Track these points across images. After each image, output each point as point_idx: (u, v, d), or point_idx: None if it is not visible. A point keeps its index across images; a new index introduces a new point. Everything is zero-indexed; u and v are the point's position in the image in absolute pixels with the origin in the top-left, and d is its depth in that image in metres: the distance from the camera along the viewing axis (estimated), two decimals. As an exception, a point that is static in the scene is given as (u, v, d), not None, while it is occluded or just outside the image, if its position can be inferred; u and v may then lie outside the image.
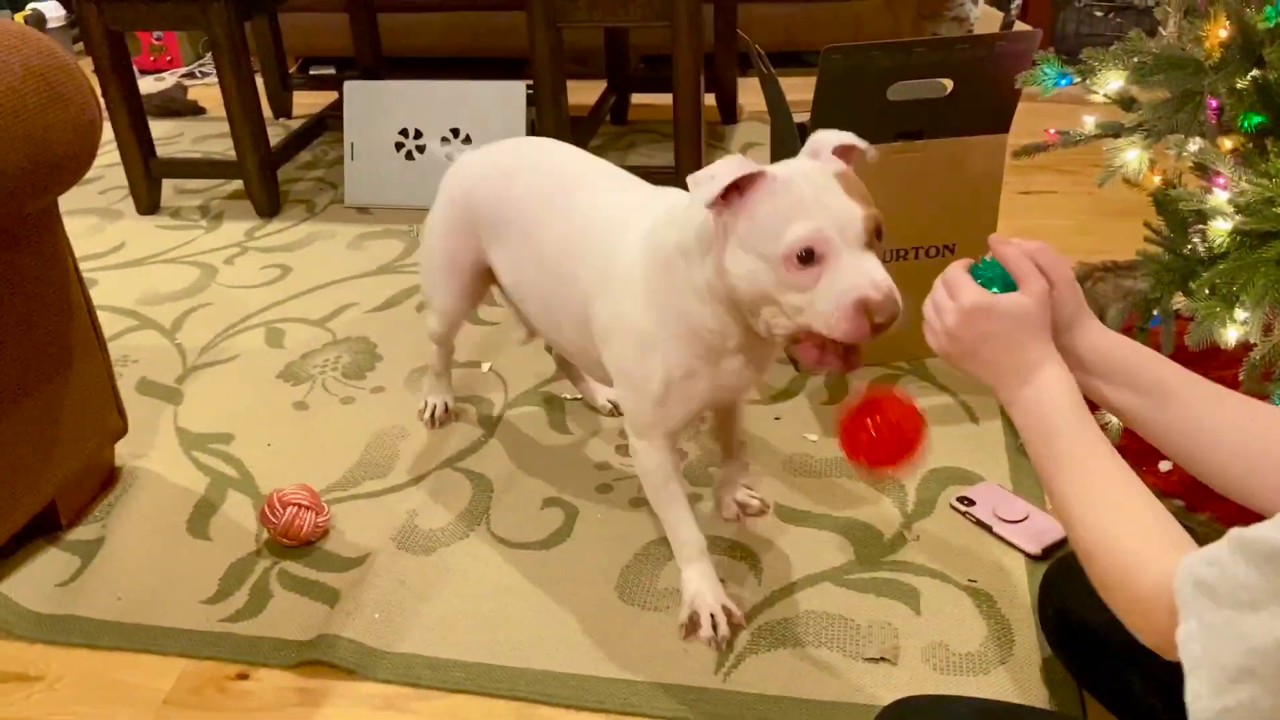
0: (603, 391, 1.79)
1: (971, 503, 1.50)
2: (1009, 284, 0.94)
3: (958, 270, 0.97)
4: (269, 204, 2.64)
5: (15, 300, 1.38)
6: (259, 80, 2.69)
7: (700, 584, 1.31)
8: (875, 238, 1.03)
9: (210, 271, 2.38)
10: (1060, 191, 2.56)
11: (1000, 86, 1.65)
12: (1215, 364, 1.22)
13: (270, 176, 2.63)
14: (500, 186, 1.42)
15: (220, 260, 2.43)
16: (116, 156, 2.64)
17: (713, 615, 1.30)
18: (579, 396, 1.83)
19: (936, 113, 1.69)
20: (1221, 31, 1.27)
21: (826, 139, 1.10)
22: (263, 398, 1.88)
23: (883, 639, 1.30)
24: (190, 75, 3.88)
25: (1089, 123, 1.51)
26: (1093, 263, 1.73)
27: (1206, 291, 1.21)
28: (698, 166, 2.45)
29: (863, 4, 3.33)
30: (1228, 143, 1.29)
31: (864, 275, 1.00)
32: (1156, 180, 1.43)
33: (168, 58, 3.96)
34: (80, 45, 3.56)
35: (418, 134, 2.68)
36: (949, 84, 1.67)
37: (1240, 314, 1.18)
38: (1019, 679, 1.23)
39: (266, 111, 2.81)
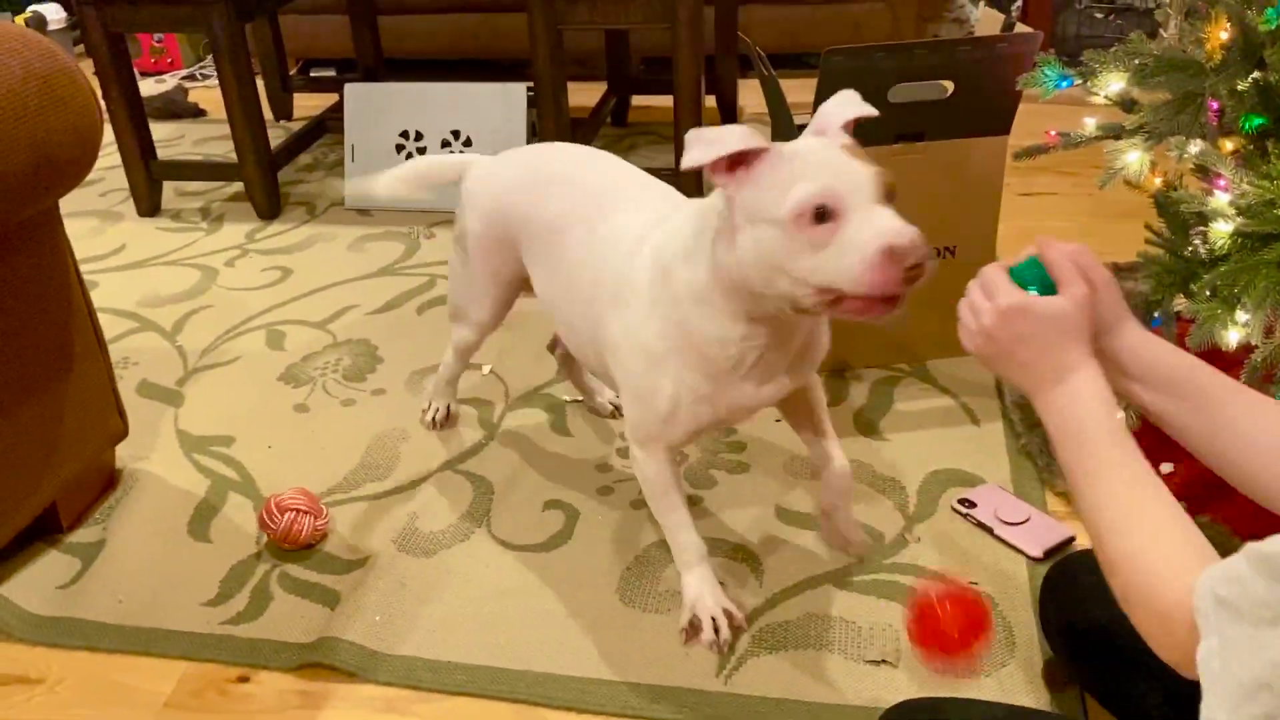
0: (604, 393, 1.79)
1: (973, 505, 1.50)
2: (1047, 286, 0.92)
3: (995, 270, 0.95)
4: (269, 206, 2.64)
5: (16, 302, 1.38)
6: (259, 82, 2.69)
7: (701, 588, 1.31)
8: (888, 199, 0.99)
9: (211, 274, 2.38)
10: (1061, 193, 2.56)
11: (1001, 88, 1.65)
12: (1216, 366, 1.22)
13: (271, 179, 2.63)
14: (530, 201, 1.39)
15: (221, 262, 2.43)
16: (117, 159, 2.64)
17: (714, 619, 1.29)
18: (580, 399, 1.83)
19: (937, 115, 1.69)
20: (1222, 33, 1.28)
21: (833, 114, 1.07)
22: (263, 400, 1.88)
23: (884, 641, 1.29)
24: (191, 77, 3.88)
25: (1090, 124, 1.51)
26: (1094, 264, 1.73)
27: (1207, 293, 1.21)
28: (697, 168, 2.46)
29: (863, 6, 3.33)
30: (1229, 145, 1.29)
31: (885, 223, 0.96)
32: (1157, 182, 1.43)
33: (168, 60, 3.96)
34: (81, 47, 3.56)
35: (418, 136, 2.68)
36: (950, 86, 1.67)
37: (1241, 316, 1.18)
38: (1020, 681, 1.23)
39: (267, 114, 2.80)
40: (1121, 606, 0.79)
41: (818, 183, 0.97)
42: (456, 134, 2.65)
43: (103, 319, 1.64)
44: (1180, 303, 1.33)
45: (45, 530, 1.54)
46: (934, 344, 1.83)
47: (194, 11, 2.40)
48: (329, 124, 3.05)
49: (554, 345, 1.78)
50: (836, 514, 1.34)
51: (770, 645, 1.30)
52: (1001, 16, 3.70)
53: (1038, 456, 1.59)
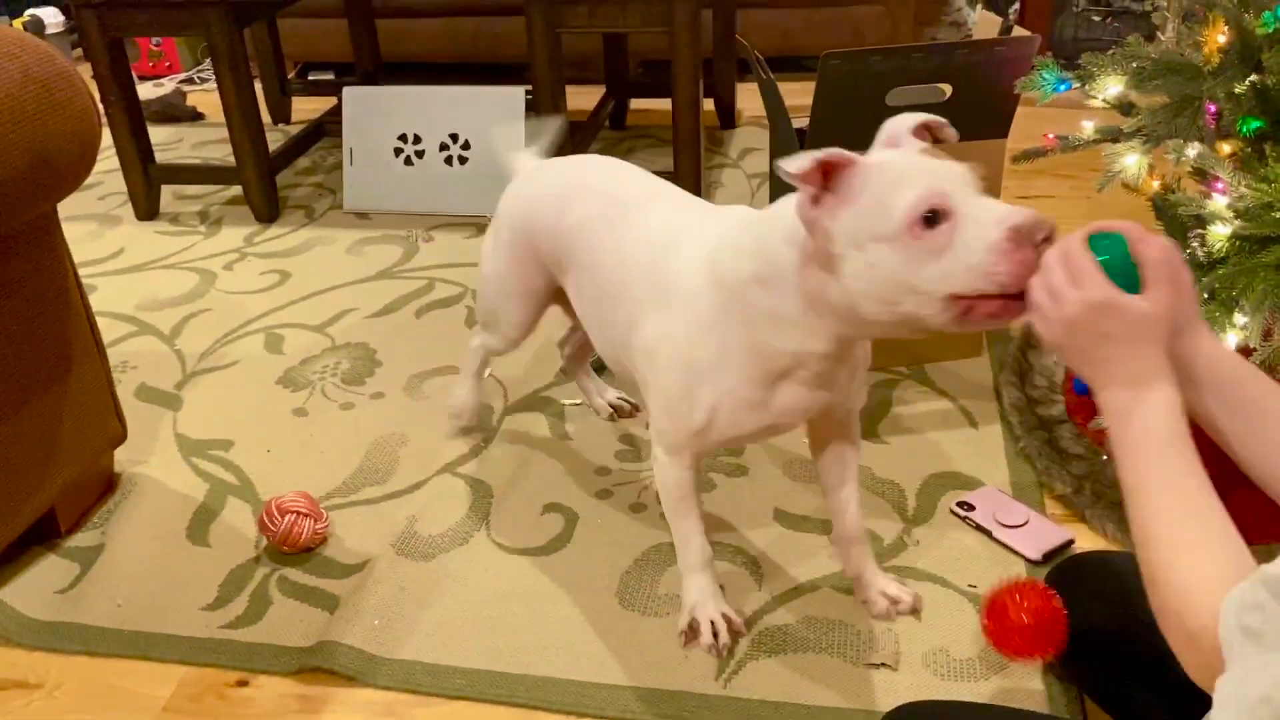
0: (604, 395, 1.79)
1: (971, 508, 1.50)
2: (1129, 276, 0.87)
3: (1082, 252, 0.86)
4: (268, 209, 2.64)
5: (14, 306, 1.38)
6: (258, 86, 2.69)
7: (701, 592, 1.31)
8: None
9: (209, 277, 2.38)
10: (1059, 196, 2.57)
11: (999, 91, 1.65)
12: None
13: (269, 182, 2.63)
14: (555, 216, 1.38)
15: (219, 266, 2.43)
16: (115, 162, 2.64)
17: (713, 622, 1.29)
18: (579, 401, 1.83)
19: (935, 118, 1.69)
20: (1220, 37, 1.28)
21: (903, 124, 1.04)
22: (262, 404, 1.88)
23: (884, 644, 1.29)
24: (189, 81, 3.88)
25: (1088, 128, 1.51)
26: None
27: (1206, 296, 1.21)
28: (696, 171, 2.46)
29: (861, 9, 3.34)
30: (1226, 148, 1.29)
31: (998, 209, 0.91)
32: (1155, 185, 1.43)
33: (167, 63, 3.96)
34: (79, 51, 3.57)
35: (417, 139, 2.68)
36: (948, 89, 1.68)
37: (1240, 319, 1.18)
38: (1019, 684, 1.23)
39: (265, 117, 2.81)
40: (1156, 618, 0.78)
41: (920, 185, 0.92)
42: (455, 137, 2.65)
43: (101, 323, 1.64)
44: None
45: (44, 534, 1.54)
46: (932, 347, 1.83)
47: (192, 15, 2.40)
48: (327, 127, 3.06)
49: (564, 342, 1.78)
50: (865, 577, 1.35)
51: (770, 649, 1.30)
52: (999, 20, 3.71)
53: (1036, 459, 1.59)
